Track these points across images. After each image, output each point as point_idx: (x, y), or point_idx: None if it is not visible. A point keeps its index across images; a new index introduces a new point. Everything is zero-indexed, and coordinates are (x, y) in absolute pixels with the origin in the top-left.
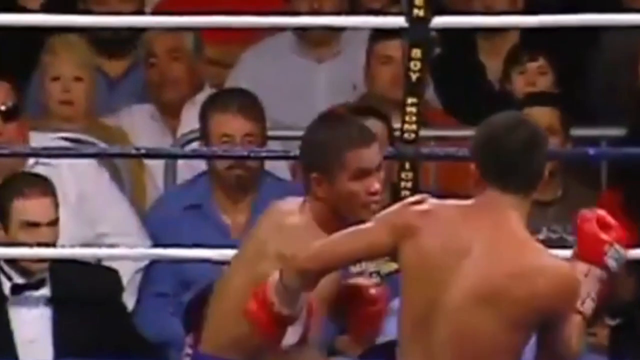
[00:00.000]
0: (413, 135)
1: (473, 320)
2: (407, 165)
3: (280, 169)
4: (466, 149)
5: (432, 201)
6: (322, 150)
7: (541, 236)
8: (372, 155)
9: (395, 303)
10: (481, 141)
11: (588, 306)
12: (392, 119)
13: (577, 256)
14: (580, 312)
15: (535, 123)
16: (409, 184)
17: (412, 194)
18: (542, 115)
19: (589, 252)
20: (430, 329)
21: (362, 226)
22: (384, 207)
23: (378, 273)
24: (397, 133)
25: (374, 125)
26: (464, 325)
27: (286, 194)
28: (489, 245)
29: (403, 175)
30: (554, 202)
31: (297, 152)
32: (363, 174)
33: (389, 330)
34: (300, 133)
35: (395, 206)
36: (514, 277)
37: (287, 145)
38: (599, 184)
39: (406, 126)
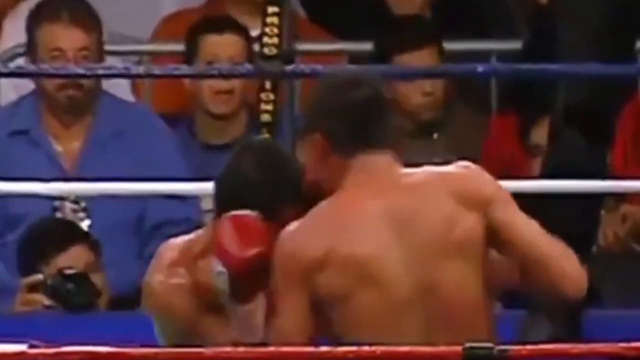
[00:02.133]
0: (275, 50)
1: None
2: (268, 85)
3: (121, 88)
4: (336, 65)
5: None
6: None
7: None
8: None
9: None
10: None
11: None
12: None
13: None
14: None
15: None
16: (270, 106)
17: (272, 118)
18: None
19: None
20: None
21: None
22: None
23: None
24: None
25: (228, 39)
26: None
27: (128, 117)
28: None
29: (263, 95)
30: (437, 130)
31: (139, 69)
32: None
33: None
34: (143, 46)
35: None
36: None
37: (128, 61)
38: (489, 107)
39: (266, 39)
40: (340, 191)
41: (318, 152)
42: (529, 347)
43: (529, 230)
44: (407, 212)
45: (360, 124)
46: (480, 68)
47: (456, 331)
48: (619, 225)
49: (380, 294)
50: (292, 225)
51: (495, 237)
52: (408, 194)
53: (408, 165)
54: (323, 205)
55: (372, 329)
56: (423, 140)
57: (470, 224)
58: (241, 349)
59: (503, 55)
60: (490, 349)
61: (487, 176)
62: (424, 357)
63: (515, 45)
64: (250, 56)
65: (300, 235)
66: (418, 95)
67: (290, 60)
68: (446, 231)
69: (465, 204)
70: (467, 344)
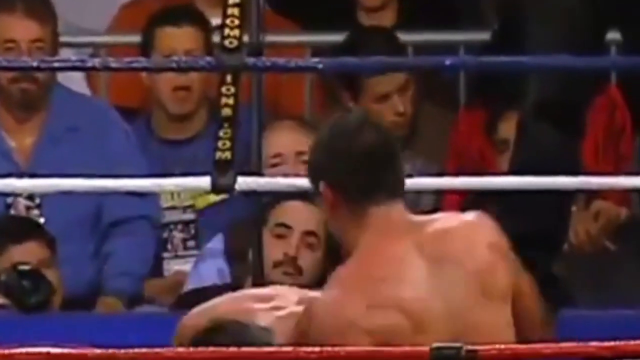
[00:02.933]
0: (236, 42)
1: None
2: (229, 78)
3: (76, 81)
4: (300, 59)
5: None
6: None
7: None
8: None
9: (212, 244)
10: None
11: None
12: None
13: None
14: None
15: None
16: (231, 100)
17: (233, 112)
18: None
19: None
20: None
21: None
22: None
23: (193, 207)
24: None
25: (186, 32)
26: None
27: (84, 111)
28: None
29: (224, 89)
30: (408, 146)
31: (95, 61)
32: None
33: (204, 275)
34: (99, 38)
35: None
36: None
37: (83, 54)
38: (457, 101)
39: (227, 31)
40: (361, 246)
41: (327, 202)
42: (498, 346)
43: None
44: (440, 253)
45: (368, 173)
46: (447, 61)
47: None
48: (590, 223)
49: (426, 338)
50: (326, 294)
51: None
52: (435, 237)
53: None
54: (350, 264)
55: None
56: None
57: (503, 270)
58: (201, 349)
59: (470, 47)
60: (459, 349)
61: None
62: (391, 357)
63: (483, 36)
64: (210, 49)
65: (337, 302)
66: (390, 114)
67: (259, 53)
68: (485, 273)
69: (496, 251)
70: (435, 344)
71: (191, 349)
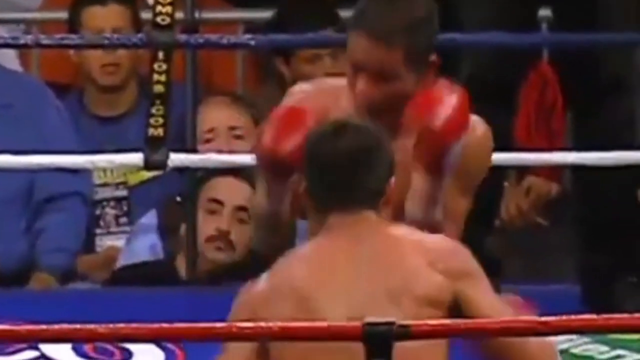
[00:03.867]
0: (168, 19)
1: None
2: (161, 55)
3: (8, 57)
4: (232, 36)
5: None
6: None
7: None
8: None
9: (145, 220)
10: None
11: None
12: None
13: None
14: None
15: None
16: (163, 77)
17: (165, 88)
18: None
19: None
20: None
21: None
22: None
23: (125, 184)
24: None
25: (112, 10)
26: None
27: (17, 88)
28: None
29: (156, 66)
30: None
31: (27, 38)
32: None
33: (137, 251)
34: (31, 15)
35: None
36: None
37: (16, 30)
38: None
39: (159, 8)
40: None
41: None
42: (430, 322)
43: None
44: (368, 258)
45: (333, 180)
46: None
47: None
48: (522, 198)
49: None
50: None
51: (461, 311)
52: (377, 250)
53: None
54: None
55: None
56: None
57: (435, 284)
58: (140, 324)
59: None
60: (391, 324)
61: (465, 251)
62: (323, 333)
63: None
64: (138, 26)
65: (248, 288)
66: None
67: (194, 30)
68: (406, 281)
69: (435, 267)
70: (367, 320)
71: (124, 325)
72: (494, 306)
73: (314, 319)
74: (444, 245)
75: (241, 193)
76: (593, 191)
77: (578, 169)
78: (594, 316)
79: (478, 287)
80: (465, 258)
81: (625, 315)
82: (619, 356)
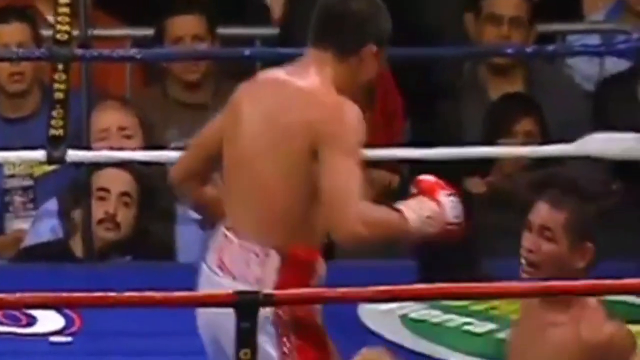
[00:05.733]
0: (66, 36)
1: (260, 167)
2: (60, 67)
3: None
4: (122, 50)
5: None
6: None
7: None
8: None
9: (47, 205)
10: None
11: (414, 217)
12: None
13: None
14: (398, 210)
15: None
16: (62, 85)
17: (65, 95)
18: (188, 23)
19: (426, 188)
20: (237, 181)
21: None
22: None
23: (31, 175)
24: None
25: (15, 28)
26: (256, 174)
27: None
28: (283, 95)
29: (56, 76)
30: (207, 107)
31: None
32: None
33: (41, 232)
34: None
35: None
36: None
37: None
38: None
39: (59, 26)
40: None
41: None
42: (293, 291)
43: (333, 173)
44: (270, 99)
45: (315, 20)
46: (246, 52)
47: (268, 206)
48: (368, 189)
49: (233, 149)
50: None
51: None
52: (278, 87)
53: None
54: None
55: (226, 177)
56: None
57: (297, 128)
58: (42, 293)
59: (265, 40)
60: (257, 293)
61: (349, 119)
62: (197, 300)
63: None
64: (39, 40)
65: None
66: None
67: (87, 45)
68: (276, 117)
69: (307, 118)
70: (237, 290)
71: (29, 294)
72: (340, 174)
73: (234, 138)
74: (334, 110)
75: (124, 181)
76: None
77: (415, 163)
78: (427, 285)
79: (334, 149)
80: (343, 127)
81: (451, 285)
82: (449, 320)
